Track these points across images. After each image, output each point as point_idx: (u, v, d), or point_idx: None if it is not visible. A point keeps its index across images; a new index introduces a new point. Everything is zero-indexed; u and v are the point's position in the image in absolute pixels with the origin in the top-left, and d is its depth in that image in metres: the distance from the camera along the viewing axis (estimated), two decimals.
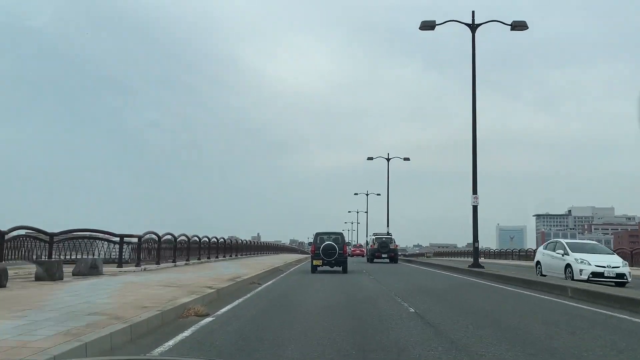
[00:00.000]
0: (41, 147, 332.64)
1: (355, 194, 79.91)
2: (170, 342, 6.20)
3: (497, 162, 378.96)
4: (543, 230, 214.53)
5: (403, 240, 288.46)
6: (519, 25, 26.15)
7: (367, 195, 79.56)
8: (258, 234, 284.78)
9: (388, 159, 53.97)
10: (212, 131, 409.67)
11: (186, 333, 6.78)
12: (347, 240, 27.94)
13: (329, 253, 20.26)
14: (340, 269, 21.04)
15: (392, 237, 40.12)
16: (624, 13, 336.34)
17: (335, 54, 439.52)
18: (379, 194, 69.94)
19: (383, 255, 34.66)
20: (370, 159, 54.46)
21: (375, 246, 35.66)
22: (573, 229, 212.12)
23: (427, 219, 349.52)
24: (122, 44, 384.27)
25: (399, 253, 41.01)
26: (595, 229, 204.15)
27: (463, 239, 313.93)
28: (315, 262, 20.64)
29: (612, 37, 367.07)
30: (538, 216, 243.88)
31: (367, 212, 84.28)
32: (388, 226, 51.98)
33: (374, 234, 42.14)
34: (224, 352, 5.76)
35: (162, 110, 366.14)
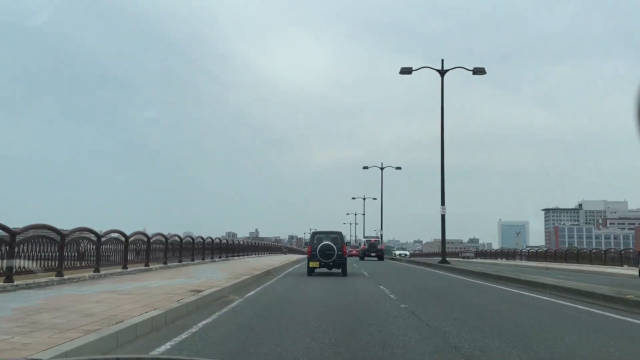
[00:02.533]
0: (39, 143, 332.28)
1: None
2: None
3: (497, 157, 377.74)
4: (556, 225, 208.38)
5: (403, 235, 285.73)
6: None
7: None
8: (256, 229, 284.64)
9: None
10: (210, 128, 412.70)
11: None
12: (346, 240, 26.88)
13: (327, 254, 19.23)
14: (339, 271, 19.84)
15: (380, 239, 51.52)
16: (623, 9, 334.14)
17: (335, 51, 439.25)
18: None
19: (372, 254, 43.53)
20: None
21: (366, 247, 45.08)
22: (589, 223, 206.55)
23: (426, 214, 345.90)
24: (120, 41, 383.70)
25: (407, 253, 65.05)
26: (610, 223, 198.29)
27: (465, 234, 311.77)
28: (311, 264, 19.49)
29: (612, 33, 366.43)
30: (547, 210, 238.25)
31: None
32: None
33: (365, 237, 53.06)
34: None
35: (160, 107, 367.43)
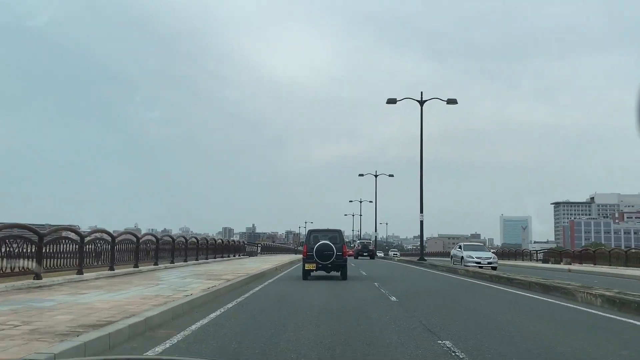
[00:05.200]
0: (37, 138, 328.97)
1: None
2: None
3: (497, 153, 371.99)
4: (572, 219, 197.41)
5: (403, 231, 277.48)
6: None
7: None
8: (253, 225, 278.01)
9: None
10: (209, 124, 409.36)
11: None
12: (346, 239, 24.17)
13: (325, 255, 17.09)
14: (338, 274, 17.55)
15: (371, 241, 63.90)
16: (623, 3, 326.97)
17: (334, 46, 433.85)
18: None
19: (364, 254, 49.62)
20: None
21: (360, 248, 51.62)
22: (606, 217, 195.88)
23: (426, 209, 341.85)
24: (119, 37, 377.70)
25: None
26: (628, 217, 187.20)
27: (466, 230, 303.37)
28: (307, 266, 17.27)
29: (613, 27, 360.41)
30: (557, 204, 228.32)
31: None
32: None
33: (359, 240, 63.28)
34: None
35: (158, 103, 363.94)
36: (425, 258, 34.36)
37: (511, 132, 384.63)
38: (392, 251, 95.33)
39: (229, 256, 28.74)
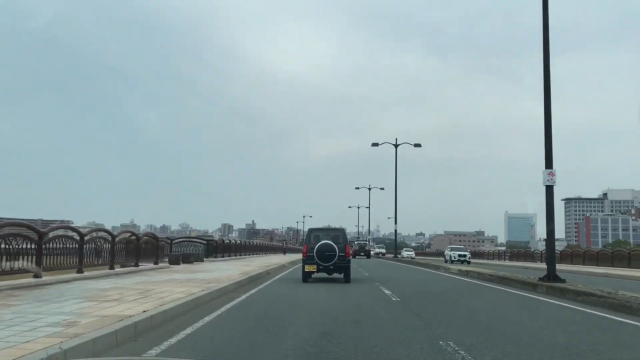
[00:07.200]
0: (38, 135, 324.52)
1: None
2: None
3: (501, 148, 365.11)
4: (588, 215, 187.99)
5: (404, 228, 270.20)
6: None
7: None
8: (253, 221, 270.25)
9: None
10: (210, 119, 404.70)
11: None
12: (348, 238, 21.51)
13: (327, 256, 16.18)
14: (341, 276, 16.85)
15: (367, 242, 73.37)
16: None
17: (336, 41, 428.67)
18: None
19: (361, 253, 56.99)
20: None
21: (357, 248, 57.38)
22: (624, 213, 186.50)
23: (428, 206, 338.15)
24: (120, 32, 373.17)
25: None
26: None
27: (470, 227, 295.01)
28: (308, 268, 16.36)
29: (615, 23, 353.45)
30: (567, 200, 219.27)
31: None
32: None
33: (357, 241, 70.30)
34: None
35: (159, 99, 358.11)
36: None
37: (514, 128, 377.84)
38: (456, 251, 46.39)
39: (137, 265, 16.84)
